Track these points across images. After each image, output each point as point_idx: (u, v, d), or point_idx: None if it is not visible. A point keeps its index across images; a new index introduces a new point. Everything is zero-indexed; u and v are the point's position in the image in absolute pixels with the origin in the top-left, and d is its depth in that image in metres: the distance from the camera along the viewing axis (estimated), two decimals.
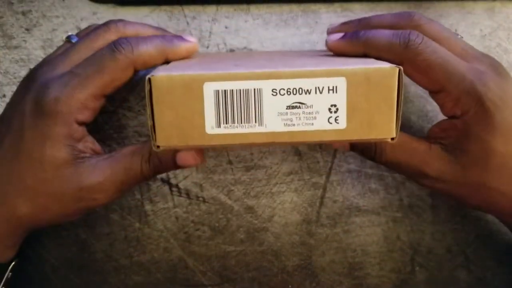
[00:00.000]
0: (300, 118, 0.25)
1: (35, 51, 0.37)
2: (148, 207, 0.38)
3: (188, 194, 0.38)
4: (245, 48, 0.38)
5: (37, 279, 0.39)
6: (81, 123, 0.30)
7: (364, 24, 0.33)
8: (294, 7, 0.37)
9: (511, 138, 0.29)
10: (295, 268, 0.39)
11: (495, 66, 0.30)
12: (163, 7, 0.37)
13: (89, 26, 0.35)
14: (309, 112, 0.25)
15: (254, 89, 0.24)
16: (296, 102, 0.25)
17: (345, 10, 0.38)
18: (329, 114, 0.25)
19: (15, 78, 0.37)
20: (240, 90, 0.24)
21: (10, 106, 0.32)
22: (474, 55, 0.31)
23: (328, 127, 0.25)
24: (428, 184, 0.32)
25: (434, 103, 0.31)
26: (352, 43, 0.30)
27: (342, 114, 0.25)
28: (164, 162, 0.30)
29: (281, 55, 0.32)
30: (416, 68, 0.29)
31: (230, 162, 0.38)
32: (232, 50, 0.38)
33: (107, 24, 0.31)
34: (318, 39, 0.38)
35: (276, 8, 0.37)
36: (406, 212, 0.39)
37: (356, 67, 0.25)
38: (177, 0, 0.37)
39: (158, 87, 0.24)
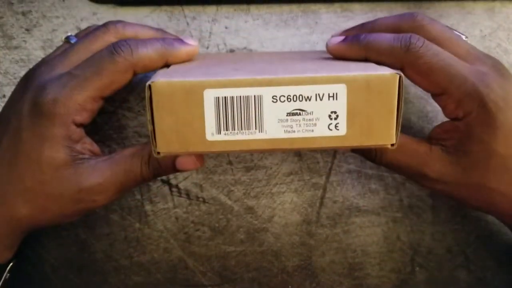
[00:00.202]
0: (300, 125, 0.25)
1: (35, 51, 0.37)
2: (148, 207, 0.38)
3: (188, 195, 0.38)
4: (245, 48, 0.38)
5: (37, 279, 0.39)
6: (79, 125, 0.30)
7: (366, 29, 0.33)
8: (294, 7, 0.37)
9: None
10: (295, 269, 0.39)
11: (498, 67, 0.30)
12: (163, 8, 0.37)
13: (88, 27, 0.35)
14: (309, 119, 0.25)
15: (255, 96, 0.24)
16: (296, 109, 0.25)
17: (345, 10, 0.37)
18: (329, 121, 0.25)
19: (15, 78, 0.37)
20: (240, 96, 0.24)
21: (8, 106, 0.32)
22: (476, 56, 0.30)
23: (328, 133, 0.25)
24: (429, 185, 0.32)
25: (434, 104, 0.31)
26: (353, 46, 0.30)
27: (342, 120, 0.25)
28: (164, 166, 0.30)
29: (281, 57, 0.32)
30: (417, 71, 0.29)
31: (230, 163, 0.38)
32: (232, 51, 0.38)
33: (106, 25, 0.31)
34: (318, 40, 0.38)
35: (276, 8, 0.37)
36: (406, 212, 0.39)
37: (356, 73, 0.25)
38: (177, 0, 0.37)
39: (158, 93, 0.24)
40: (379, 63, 0.29)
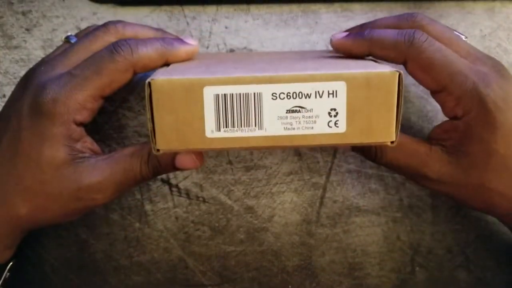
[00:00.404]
0: (300, 122, 0.25)
1: (35, 51, 0.37)
2: (148, 207, 0.38)
3: (188, 194, 0.38)
4: (245, 48, 0.38)
5: (37, 279, 0.39)
6: (79, 124, 0.30)
7: (367, 27, 0.33)
8: (294, 7, 0.37)
9: None
10: (295, 268, 0.39)
11: (498, 68, 0.30)
12: (163, 7, 0.37)
13: (88, 27, 0.35)
14: (309, 116, 0.25)
15: (254, 93, 0.24)
16: (296, 106, 0.25)
17: (345, 10, 0.37)
18: (329, 118, 0.25)
19: (15, 78, 0.37)
20: (240, 94, 0.24)
21: (8, 105, 0.32)
22: (477, 56, 0.31)
23: (328, 131, 0.25)
24: (429, 185, 0.32)
25: (434, 104, 0.31)
26: (357, 41, 0.30)
27: (342, 118, 0.25)
28: (164, 164, 0.30)
29: (281, 57, 0.32)
30: (419, 66, 0.29)
31: (230, 162, 0.38)
32: (232, 50, 0.38)
33: (106, 25, 0.31)
34: (318, 40, 0.38)
35: (276, 8, 0.37)
36: (406, 212, 0.39)
37: (356, 71, 0.25)
38: (177, 0, 0.37)
39: (158, 91, 0.24)
40: (382, 58, 0.29)
